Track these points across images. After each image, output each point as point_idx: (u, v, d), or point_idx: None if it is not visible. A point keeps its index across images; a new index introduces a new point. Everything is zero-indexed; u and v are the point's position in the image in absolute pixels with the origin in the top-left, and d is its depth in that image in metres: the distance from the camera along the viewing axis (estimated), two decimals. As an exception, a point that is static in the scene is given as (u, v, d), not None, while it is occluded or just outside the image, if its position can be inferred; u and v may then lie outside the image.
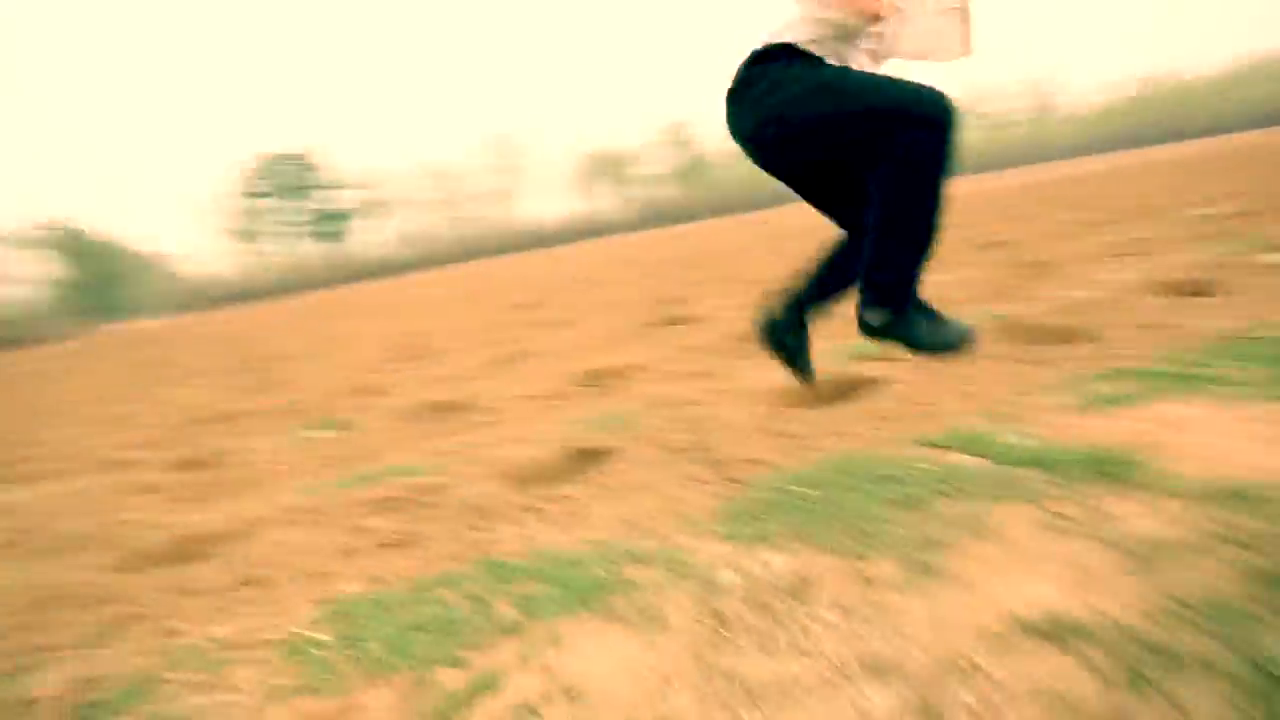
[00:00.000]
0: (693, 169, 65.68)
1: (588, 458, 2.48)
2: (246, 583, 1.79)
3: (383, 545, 1.90)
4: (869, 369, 2.93)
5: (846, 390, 2.79)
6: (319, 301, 24.26)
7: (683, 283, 8.78)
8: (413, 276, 37.91)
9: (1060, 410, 2.18)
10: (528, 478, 2.34)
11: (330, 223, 66.73)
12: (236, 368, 8.24)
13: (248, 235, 66.02)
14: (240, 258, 67.25)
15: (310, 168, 65.71)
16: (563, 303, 8.85)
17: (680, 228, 38.13)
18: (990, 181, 31.06)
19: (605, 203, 65.89)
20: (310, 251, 67.55)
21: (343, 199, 67.43)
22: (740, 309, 5.69)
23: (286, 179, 65.44)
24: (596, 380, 3.92)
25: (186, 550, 2.16)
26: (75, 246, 61.59)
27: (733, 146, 2.05)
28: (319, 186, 65.93)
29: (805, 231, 13.91)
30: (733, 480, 2.16)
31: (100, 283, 63.69)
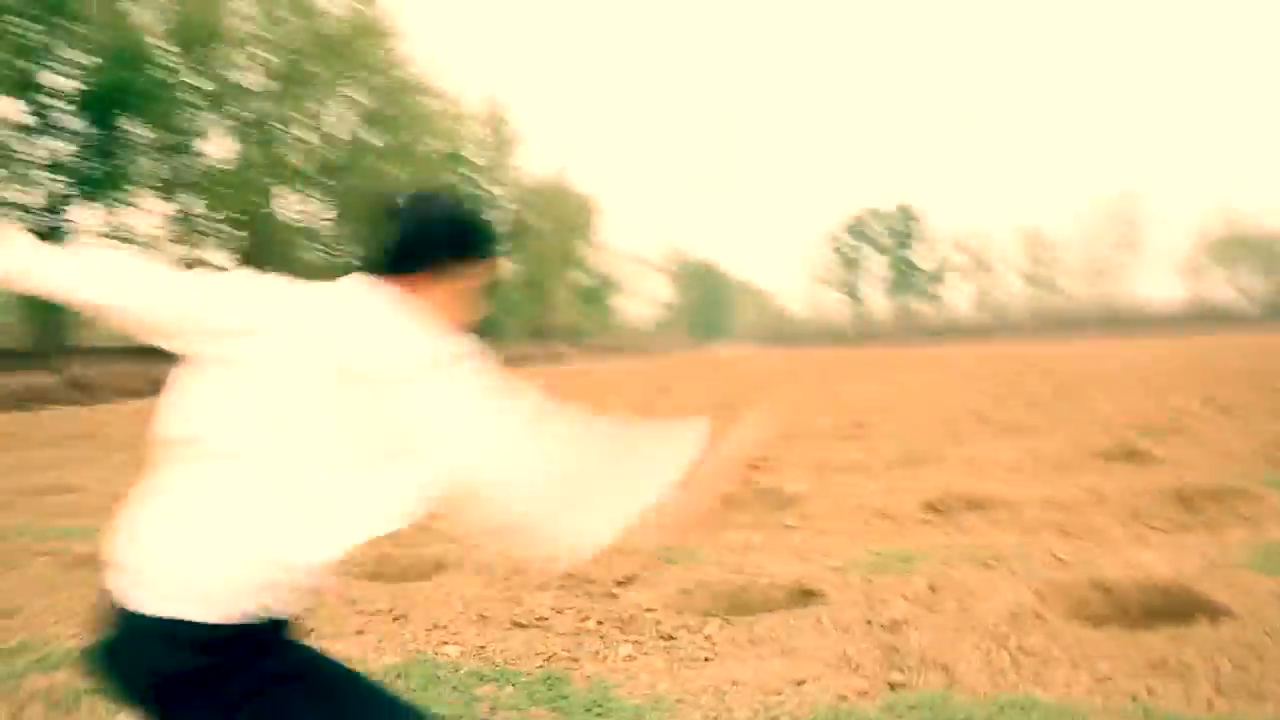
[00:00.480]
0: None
1: (794, 599, 2.33)
2: (399, 617, 2.30)
3: (562, 634, 2.16)
4: (1241, 589, 2.01)
5: (1183, 611, 1.99)
6: (863, 357, 25.14)
7: (1212, 403, 6.73)
8: (966, 345, 36.65)
9: None
10: (725, 602, 2.33)
11: (914, 279, 67.53)
12: (728, 405, 9.33)
13: (837, 282, 71.38)
14: (823, 301, 73.29)
15: (907, 222, 67.54)
16: (1073, 401, 7.61)
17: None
18: None
19: (1234, 288, 51.44)
20: (885, 305, 69.82)
21: (931, 256, 67.57)
22: (1215, 458, 4.23)
23: (880, 234, 68.80)
24: (947, 509, 3.45)
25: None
26: (694, 275, 76.37)
27: None
28: (910, 241, 67.39)
29: None
30: (887, 681, 1.80)
31: (707, 308, 77.80)
